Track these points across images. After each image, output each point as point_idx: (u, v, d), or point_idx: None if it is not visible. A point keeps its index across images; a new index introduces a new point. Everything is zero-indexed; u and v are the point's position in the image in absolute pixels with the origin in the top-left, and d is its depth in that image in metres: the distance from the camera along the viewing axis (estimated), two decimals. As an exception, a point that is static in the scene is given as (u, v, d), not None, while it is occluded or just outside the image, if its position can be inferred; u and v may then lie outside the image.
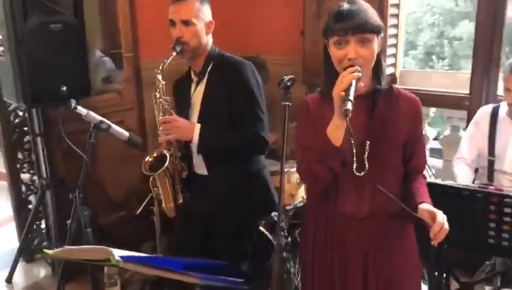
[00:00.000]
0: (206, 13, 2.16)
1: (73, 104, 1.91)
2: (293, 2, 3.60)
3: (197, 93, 2.21)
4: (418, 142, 1.70)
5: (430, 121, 3.82)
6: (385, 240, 1.68)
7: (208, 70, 2.19)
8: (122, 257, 1.47)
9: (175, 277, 1.43)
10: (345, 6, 1.56)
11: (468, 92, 3.05)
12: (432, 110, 3.68)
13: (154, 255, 1.57)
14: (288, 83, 1.52)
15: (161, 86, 2.12)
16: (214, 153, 2.16)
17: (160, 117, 2.13)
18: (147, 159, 2.15)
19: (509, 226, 2.02)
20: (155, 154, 2.16)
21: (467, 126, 3.01)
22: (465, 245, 2.14)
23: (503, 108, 2.62)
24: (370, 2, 1.60)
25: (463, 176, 2.65)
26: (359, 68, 1.48)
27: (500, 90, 2.91)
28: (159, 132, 2.15)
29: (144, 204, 2.89)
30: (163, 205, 2.22)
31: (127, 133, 2.04)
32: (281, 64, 3.58)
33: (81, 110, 1.89)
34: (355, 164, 1.59)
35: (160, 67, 2.10)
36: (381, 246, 1.68)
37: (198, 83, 2.21)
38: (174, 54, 2.08)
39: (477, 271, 2.76)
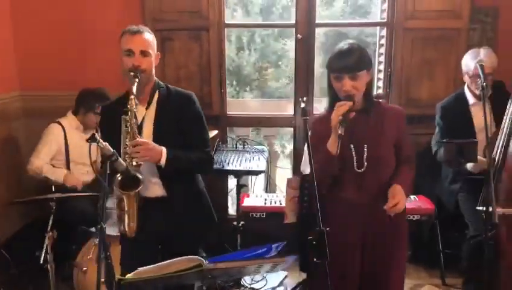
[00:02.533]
0: (155, 46, 2.37)
1: (97, 136, 1.80)
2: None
3: (147, 120, 2.34)
4: (403, 140, 2.23)
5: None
6: (379, 221, 2.18)
7: (156, 99, 2.36)
8: (210, 261, 1.63)
9: (260, 262, 1.69)
10: (342, 48, 2.10)
11: (293, 113, 3.96)
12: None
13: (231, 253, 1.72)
14: (303, 104, 2.04)
15: (134, 109, 2.17)
16: (176, 172, 2.32)
17: (128, 141, 2.17)
18: (119, 178, 2.13)
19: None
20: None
21: (294, 139, 3.91)
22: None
23: (331, 122, 3.58)
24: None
25: None
26: (352, 99, 2.04)
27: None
28: (126, 154, 2.17)
29: (43, 252, 2.65)
30: (126, 225, 2.23)
31: (125, 164, 2.02)
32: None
33: (102, 142, 1.82)
34: (355, 163, 2.14)
35: (135, 93, 2.18)
36: (377, 225, 2.18)
37: (146, 110, 2.34)
38: (137, 80, 2.20)
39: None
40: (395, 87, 3.84)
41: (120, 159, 1.95)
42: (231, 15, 8.46)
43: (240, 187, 3.62)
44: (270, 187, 4.05)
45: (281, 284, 3.53)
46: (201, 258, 1.62)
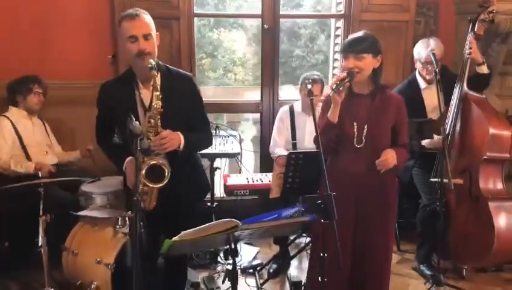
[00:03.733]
0: (154, 26, 2.44)
1: (132, 116, 1.89)
2: (100, 31, 3.94)
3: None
4: (402, 126, 2.52)
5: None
6: (372, 187, 2.50)
7: (160, 81, 2.39)
8: (244, 222, 1.85)
9: (286, 222, 1.93)
10: (355, 34, 2.45)
11: (259, 99, 4.20)
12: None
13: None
14: (310, 86, 2.34)
15: (160, 109, 2.28)
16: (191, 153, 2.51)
17: (152, 136, 2.29)
18: (143, 171, 2.22)
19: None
20: (152, 163, 2.26)
21: (261, 124, 4.15)
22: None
23: (297, 106, 3.84)
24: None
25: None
26: (351, 74, 2.34)
27: (284, 96, 4.21)
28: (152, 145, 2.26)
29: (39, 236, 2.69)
30: (146, 204, 2.36)
31: (147, 143, 2.11)
32: (90, 87, 3.74)
33: (134, 122, 1.90)
34: (355, 139, 2.44)
35: (158, 88, 2.28)
36: (369, 191, 2.50)
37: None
38: (150, 65, 2.26)
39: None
40: (352, 74, 4.20)
41: (145, 139, 2.08)
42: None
43: (214, 169, 3.82)
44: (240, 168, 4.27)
45: (255, 258, 3.77)
46: (236, 220, 1.83)
